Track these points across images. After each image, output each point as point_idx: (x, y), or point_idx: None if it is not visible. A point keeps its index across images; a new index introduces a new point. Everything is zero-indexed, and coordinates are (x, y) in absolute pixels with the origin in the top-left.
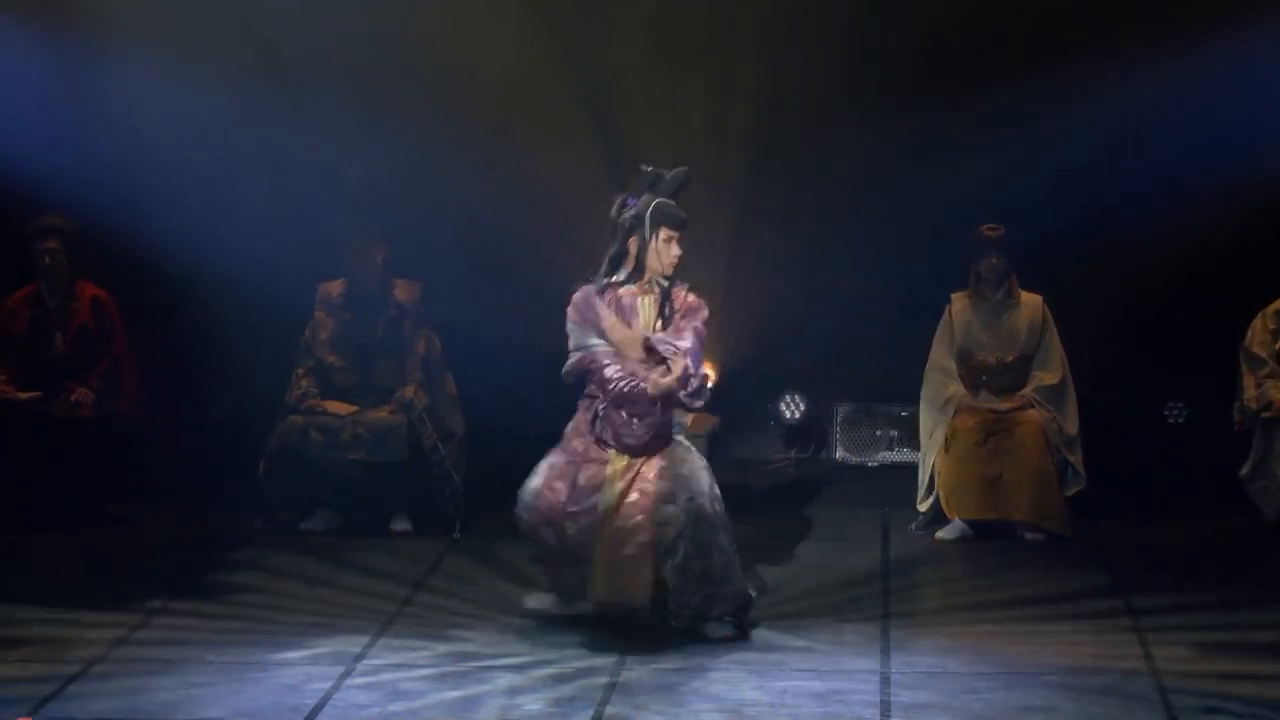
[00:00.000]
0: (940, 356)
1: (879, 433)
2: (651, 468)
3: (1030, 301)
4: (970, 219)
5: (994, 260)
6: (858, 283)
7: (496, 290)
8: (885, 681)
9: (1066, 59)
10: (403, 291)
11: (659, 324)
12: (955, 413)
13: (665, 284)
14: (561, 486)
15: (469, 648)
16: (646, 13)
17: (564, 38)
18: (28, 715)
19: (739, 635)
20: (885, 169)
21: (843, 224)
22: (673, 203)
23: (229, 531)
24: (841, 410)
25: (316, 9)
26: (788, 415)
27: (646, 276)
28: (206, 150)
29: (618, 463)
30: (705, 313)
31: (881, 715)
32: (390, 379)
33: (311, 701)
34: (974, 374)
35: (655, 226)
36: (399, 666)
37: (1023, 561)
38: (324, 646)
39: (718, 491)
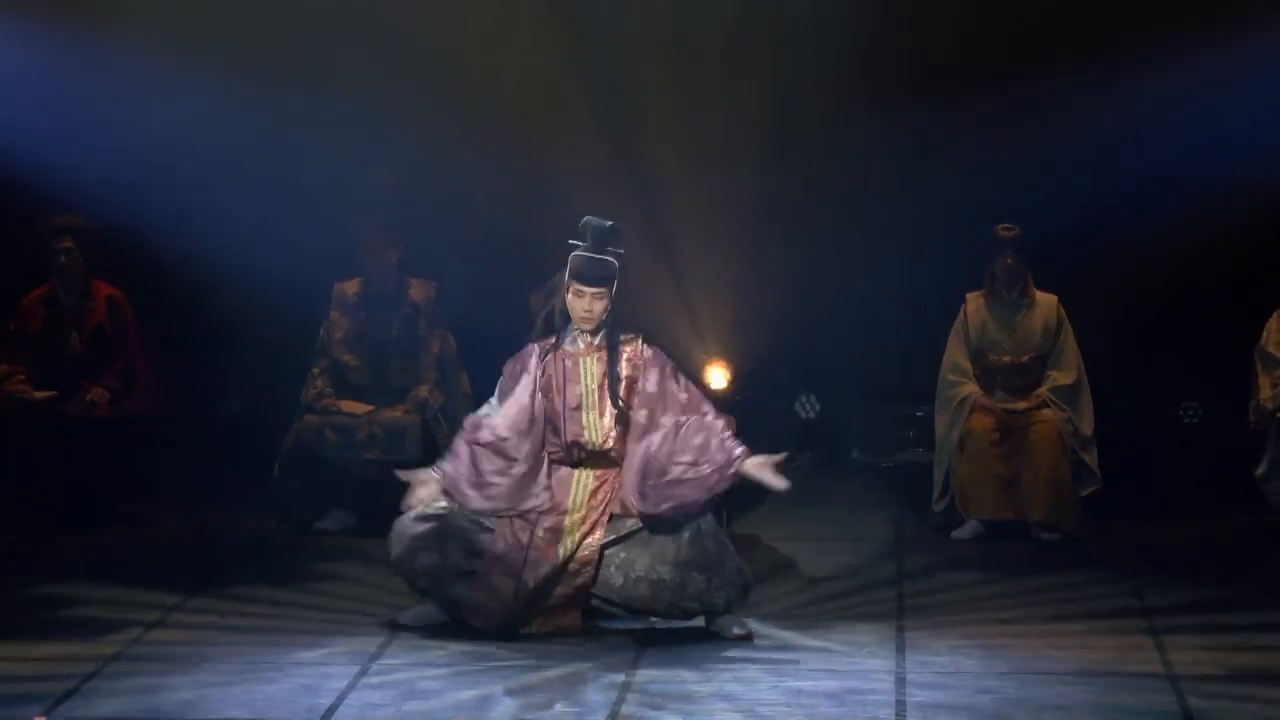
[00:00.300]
0: (955, 356)
1: (894, 433)
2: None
3: (1045, 301)
4: (984, 219)
5: (1009, 260)
6: (872, 283)
7: (511, 291)
8: (900, 681)
9: (1078, 60)
10: (418, 291)
11: (605, 383)
12: (970, 413)
13: (608, 340)
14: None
15: (485, 647)
16: (662, 16)
17: (579, 42)
18: (43, 714)
19: (750, 635)
20: (900, 170)
21: (857, 225)
22: (590, 255)
23: (244, 531)
24: (857, 411)
25: (333, 10)
26: (803, 415)
27: (579, 333)
28: (222, 150)
29: (574, 514)
30: (669, 364)
31: (897, 715)
32: (405, 378)
33: (327, 701)
34: (989, 374)
35: (567, 280)
36: (415, 666)
37: (1038, 561)
38: (339, 646)
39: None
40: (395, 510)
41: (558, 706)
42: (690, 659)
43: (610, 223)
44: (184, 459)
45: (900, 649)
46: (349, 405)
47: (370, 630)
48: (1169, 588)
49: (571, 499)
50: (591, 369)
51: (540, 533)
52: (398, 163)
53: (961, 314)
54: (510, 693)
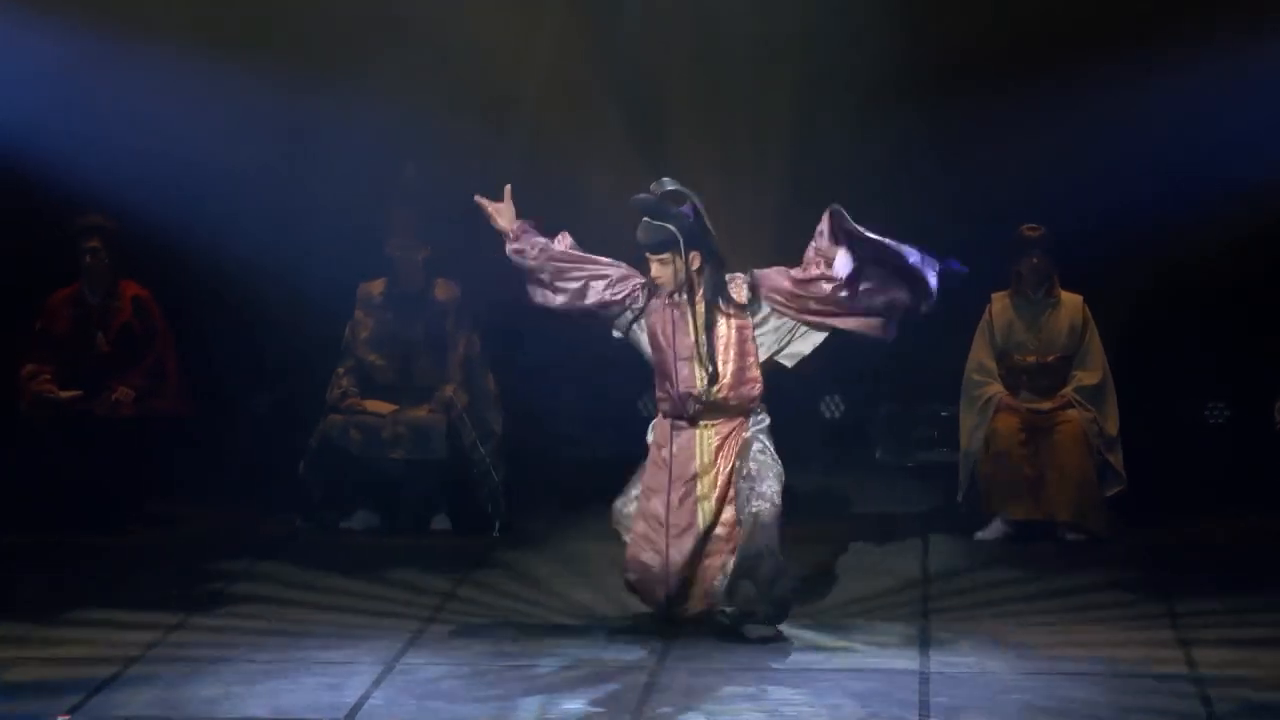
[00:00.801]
0: (980, 357)
1: (919, 433)
2: (728, 470)
3: (1071, 301)
4: (1010, 219)
5: (1035, 260)
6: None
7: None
8: (925, 681)
9: (1104, 60)
10: (443, 291)
11: (703, 336)
12: (995, 413)
13: (707, 298)
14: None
15: (508, 647)
16: (687, 12)
17: (603, 35)
18: (67, 714)
19: (776, 636)
20: (925, 169)
21: (881, 224)
22: (647, 222)
23: (269, 530)
24: (881, 410)
25: (358, 7)
26: (827, 415)
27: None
28: (249, 149)
29: (705, 476)
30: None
31: (920, 715)
32: (430, 378)
33: (350, 700)
34: (1014, 374)
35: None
36: (438, 665)
37: (1063, 562)
38: (363, 646)
39: (779, 491)
40: (420, 510)
41: (581, 707)
42: (714, 658)
43: (662, 190)
44: (209, 459)
45: (925, 649)
46: (374, 405)
47: (394, 630)
48: (1195, 588)
49: (698, 462)
50: (700, 320)
51: (675, 503)
52: (425, 161)
53: (987, 314)
54: (533, 692)
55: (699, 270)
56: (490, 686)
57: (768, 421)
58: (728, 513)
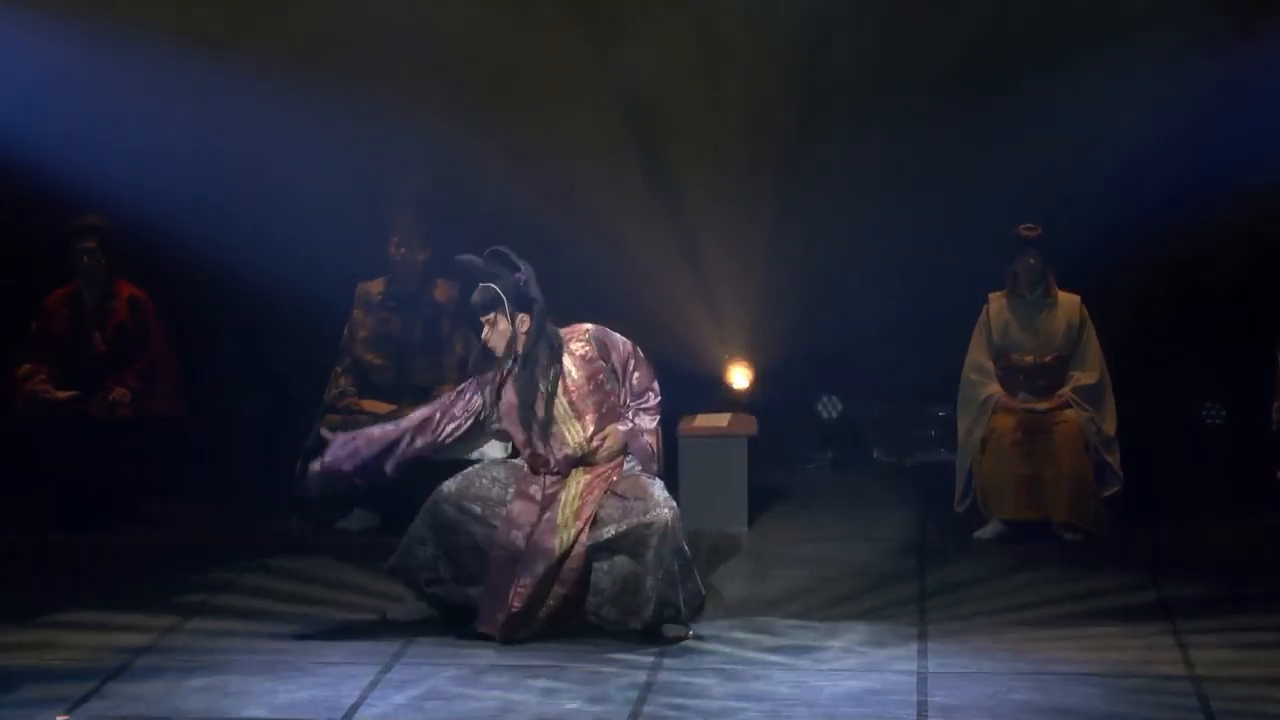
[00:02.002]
0: (977, 357)
1: (916, 433)
2: (593, 500)
3: (1068, 301)
4: (1007, 218)
5: (1031, 260)
6: (895, 283)
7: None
8: (922, 681)
9: (1103, 59)
10: (442, 292)
11: (573, 391)
12: (993, 413)
13: (547, 352)
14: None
15: (506, 648)
16: (686, 9)
17: (602, 33)
18: (66, 713)
19: (688, 635)
20: (921, 170)
21: (880, 225)
22: (480, 286)
23: (265, 530)
24: (879, 410)
25: (357, 9)
26: (825, 415)
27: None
28: (244, 149)
29: (568, 507)
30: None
31: (918, 715)
32: (428, 378)
33: (349, 701)
34: (1011, 374)
35: None
36: (436, 666)
37: (1060, 562)
38: (361, 646)
39: (669, 497)
40: (417, 510)
41: (579, 707)
42: (711, 659)
43: (471, 256)
44: (205, 459)
45: (922, 649)
46: (371, 404)
47: (391, 631)
48: (1191, 588)
49: (566, 492)
50: (550, 390)
51: (536, 534)
52: (419, 162)
53: (984, 314)
54: (531, 694)
55: (528, 332)
56: (488, 688)
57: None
58: (581, 543)
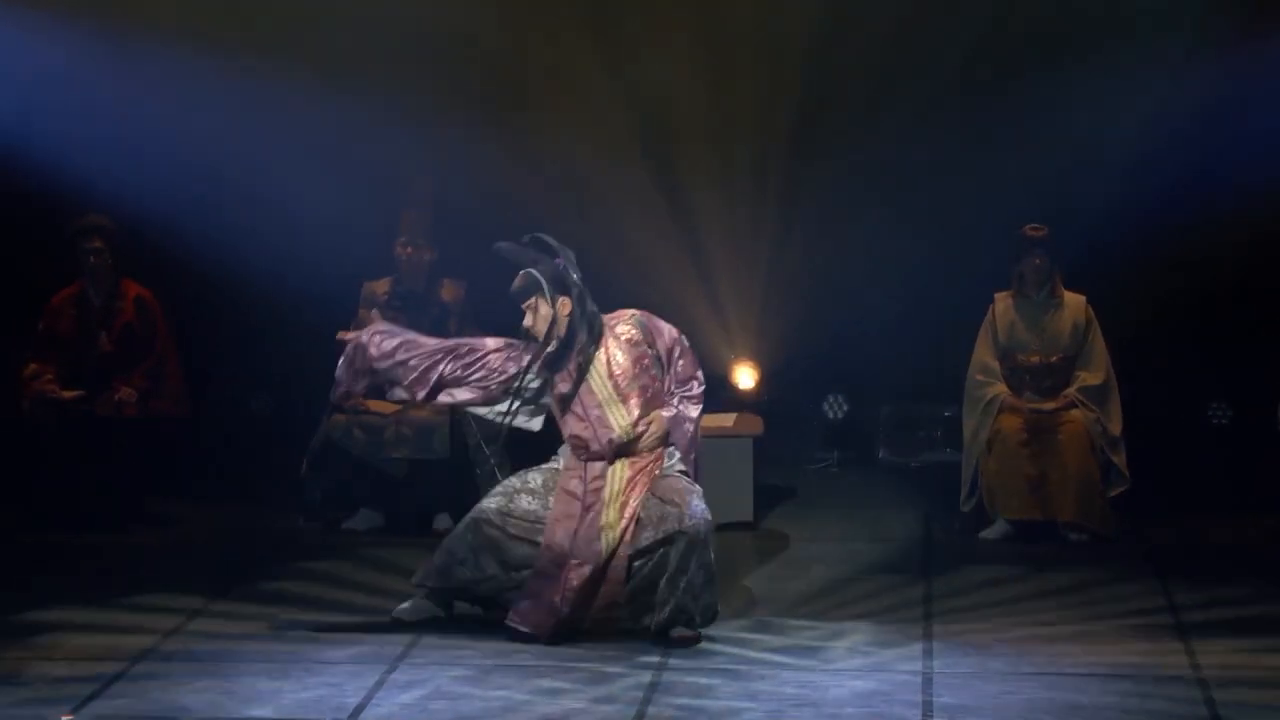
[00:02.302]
0: (983, 357)
1: (922, 433)
2: (635, 502)
3: (1073, 301)
4: (1014, 218)
5: (1037, 260)
6: (900, 283)
7: None
8: (927, 681)
9: (1110, 58)
10: (448, 292)
11: (616, 376)
12: (998, 413)
13: (593, 336)
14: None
15: (511, 647)
16: (691, 8)
17: (607, 31)
18: (71, 713)
19: (697, 639)
20: (927, 169)
21: (885, 225)
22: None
23: (271, 531)
24: (884, 411)
25: (364, 9)
26: (830, 415)
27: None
28: (250, 149)
29: (612, 505)
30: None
31: (924, 715)
32: None
33: (354, 700)
34: (1017, 374)
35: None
36: (441, 666)
37: (1066, 562)
38: (366, 645)
39: (706, 509)
40: (423, 510)
41: (584, 707)
42: (717, 660)
43: (509, 243)
44: (211, 459)
45: (927, 650)
46: (377, 404)
47: (396, 631)
48: (1198, 589)
49: (608, 490)
50: (598, 371)
51: (581, 532)
52: (427, 163)
53: (990, 314)
54: (537, 694)
55: (569, 315)
56: (493, 688)
57: (676, 459)
58: (626, 543)
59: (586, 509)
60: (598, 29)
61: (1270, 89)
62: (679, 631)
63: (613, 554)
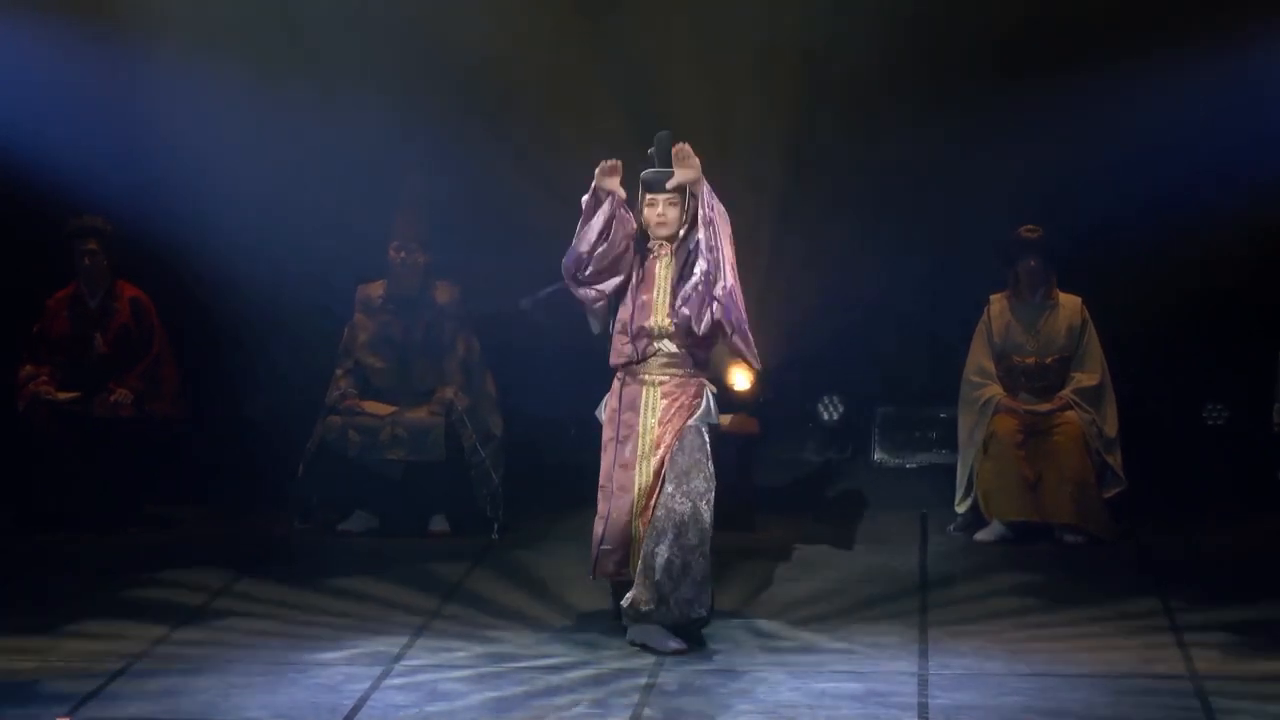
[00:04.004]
0: (979, 358)
1: (918, 434)
2: (668, 442)
3: (1069, 303)
4: (1010, 220)
5: (1033, 262)
6: (896, 285)
7: (533, 286)
8: (923, 683)
9: (1106, 61)
10: (442, 294)
11: (671, 284)
12: (994, 414)
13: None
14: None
15: (507, 649)
16: (686, 12)
17: (602, 34)
18: (67, 714)
19: (693, 646)
20: (925, 171)
21: (881, 226)
22: (658, 170)
23: (267, 532)
24: (880, 412)
25: (357, 10)
26: (826, 417)
27: (650, 241)
28: (245, 151)
29: (646, 436)
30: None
31: (919, 716)
32: (429, 380)
33: (349, 702)
34: (1013, 376)
35: (640, 195)
36: (437, 667)
37: (1061, 563)
38: (362, 647)
39: (707, 493)
40: (419, 511)
41: (580, 708)
42: (713, 660)
43: (662, 132)
44: (207, 460)
45: (923, 651)
46: (372, 406)
47: (392, 632)
48: (1193, 590)
49: (642, 420)
50: (666, 270)
51: (618, 462)
52: (425, 161)
53: (985, 315)
54: (532, 694)
55: (686, 223)
56: (489, 689)
57: (714, 413)
58: (656, 481)
59: (621, 436)
60: (597, 33)
61: (1271, 90)
62: (672, 644)
63: (648, 488)
